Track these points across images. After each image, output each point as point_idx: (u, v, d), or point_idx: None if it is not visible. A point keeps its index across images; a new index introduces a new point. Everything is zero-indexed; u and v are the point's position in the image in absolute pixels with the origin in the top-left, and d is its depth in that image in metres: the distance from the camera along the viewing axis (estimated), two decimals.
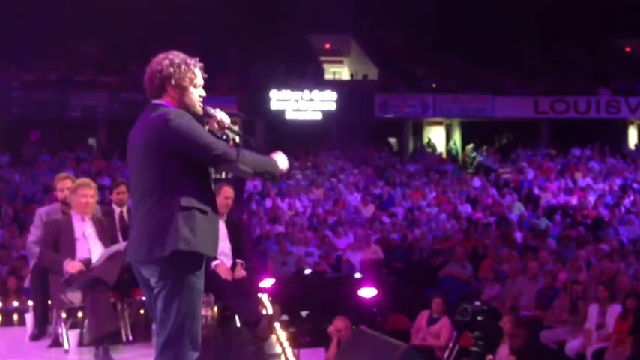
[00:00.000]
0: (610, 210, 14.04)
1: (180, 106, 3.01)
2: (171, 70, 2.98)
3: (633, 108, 20.27)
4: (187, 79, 3.01)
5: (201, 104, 3.09)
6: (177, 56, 3.02)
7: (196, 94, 3.06)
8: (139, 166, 2.99)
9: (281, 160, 3.13)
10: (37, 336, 5.14)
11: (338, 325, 6.29)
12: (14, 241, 10.43)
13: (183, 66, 3.00)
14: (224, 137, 3.07)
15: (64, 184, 5.44)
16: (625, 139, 21.05)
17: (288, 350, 4.84)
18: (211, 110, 3.11)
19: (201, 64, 3.08)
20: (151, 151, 2.92)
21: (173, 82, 2.99)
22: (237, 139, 3.17)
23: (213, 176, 3.13)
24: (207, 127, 3.10)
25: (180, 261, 2.88)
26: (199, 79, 3.07)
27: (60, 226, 4.97)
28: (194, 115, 3.04)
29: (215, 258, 5.02)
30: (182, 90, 3.01)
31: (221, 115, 3.11)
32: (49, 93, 18.29)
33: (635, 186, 15.80)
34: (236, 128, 3.17)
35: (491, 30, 22.94)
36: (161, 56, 3.03)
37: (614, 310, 7.22)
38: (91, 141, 19.78)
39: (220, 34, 20.57)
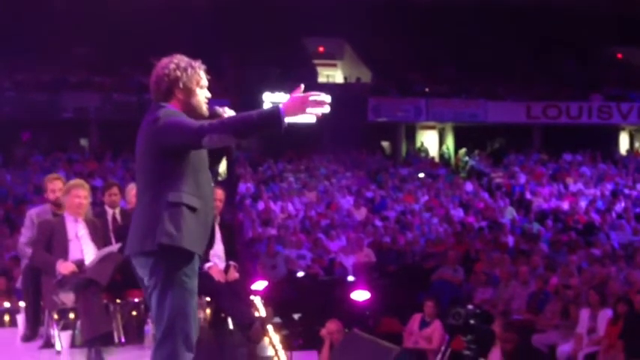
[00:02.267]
0: (601, 215, 14.11)
1: (187, 108, 3.06)
2: (178, 73, 3.03)
3: (625, 114, 20.42)
4: (194, 82, 3.06)
5: (207, 105, 3.12)
6: (182, 60, 3.07)
7: (202, 95, 3.11)
8: (139, 166, 3.07)
9: (296, 103, 2.77)
10: (28, 337, 5.11)
11: (330, 328, 6.30)
12: (5, 242, 10.37)
13: (189, 69, 3.05)
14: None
15: (55, 185, 5.42)
16: (616, 144, 21.20)
17: (281, 353, 4.84)
18: (220, 110, 3.13)
19: (204, 67, 3.11)
20: (146, 151, 3.00)
21: (181, 85, 3.04)
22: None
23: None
24: None
25: (166, 257, 2.92)
26: (204, 81, 3.11)
27: (53, 226, 4.95)
28: (201, 116, 3.07)
29: (207, 260, 5.02)
30: (189, 92, 3.06)
31: (229, 113, 3.13)
32: (41, 94, 18.23)
33: (627, 191, 15.89)
34: None
35: (484, 36, 23.05)
36: (166, 60, 3.07)
37: (605, 314, 7.26)
38: (83, 142, 19.70)
39: (214, 36, 20.56)
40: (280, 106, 2.78)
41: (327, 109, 2.79)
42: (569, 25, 23.90)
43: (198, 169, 3.03)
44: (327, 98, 2.79)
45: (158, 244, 2.90)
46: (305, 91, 2.89)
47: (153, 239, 2.92)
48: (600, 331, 7.20)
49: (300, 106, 2.77)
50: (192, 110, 3.06)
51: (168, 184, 2.95)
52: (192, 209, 2.96)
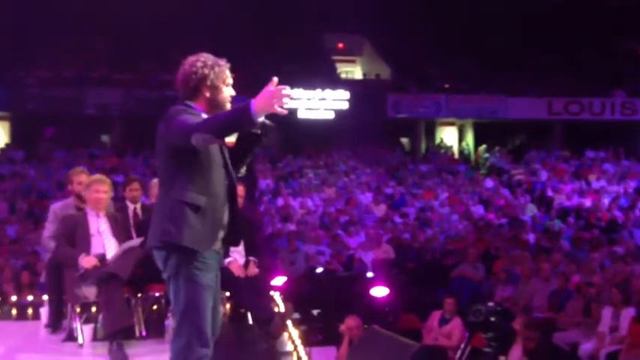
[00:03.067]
0: (624, 212, 13.93)
1: (213, 105, 3.12)
2: (206, 71, 3.10)
3: None
4: (221, 80, 3.14)
5: (231, 103, 3.19)
6: (208, 58, 3.14)
7: (227, 93, 3.17)
8: (157, 163, 3.22)
9: (264, 97, 2.74)
10: (51, 330, 5.18)
11: (349, 323, 6.29)
12: (28, 236, 10.52)
13: (216, 67, 3.12)
14: (259, 132, 3.11)
15: (80, 178, 5.48)
16: None
17: (300, 348, 4.84)
18: None
19: (229, 65, 3.18)
20: (158, 150, 3.11)
21: (208, 82, 3.11)
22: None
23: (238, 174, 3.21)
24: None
25: (171, 253, 3.03)
26: (230, 79, 3.18)
27: (75, 221, 5.00)
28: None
29: (227, 255, 5.04)
30: (216, 90, 3.13)
31: None
32: (64, 90, 18.43)
33: None
34: (270, 124, 3.12)
35: (504, 30, 22.82)
36: (193, 58, 3.14)
37: (628, 313, 7.16)
38: (105, 138, 19.89)
39: (233, 32, 20.61)
40: (251, 102, 2.78)
41: (289, 103, 2.78)
42: (592, 20, 23.58)
43: (209, 167, 3.07)
44: (290, 92, 2.77)
45: (160, 241, 3.03)
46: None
47: (155, 237, 3.07)
48: (623, 330, 7.10)
49: (269, 101, 2.74)
50: (217, 107, 3.12)
51: (176, 182, 3.05)
52: (197, 208, 3.02)
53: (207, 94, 3.10)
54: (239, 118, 2.80)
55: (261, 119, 3.07)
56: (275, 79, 2.84)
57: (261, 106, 2.74)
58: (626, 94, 20.27)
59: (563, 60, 22.48)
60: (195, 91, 3.11)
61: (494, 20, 22.03)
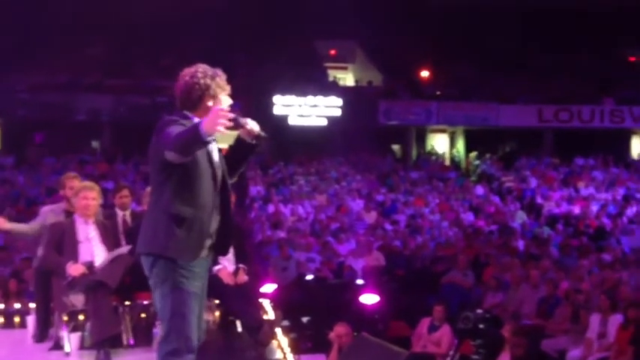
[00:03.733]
0: (612, 220, 14.02)
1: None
2: (208, 81, 3.16)
3: (637, 118, 20.27)
4: (221, 89, 3.21)
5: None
6: (207, 68, 3.20)
7: (226, 103, 3.22)
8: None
9: (209, 118, 2.84)
10: (38, 339, 5.15)
11: (339, 331, 6.29)
12: (16, 244, 10.44)
13: (217, 78, 3.19)
14: (253, 142, 3.22)
15: (73, 183, 5.50)
16: (628, 148, 21.02)
17: (289, 356, 4.85)
18: (242, 120, 3.20)
19: (225, 75, 3.25)
20: (151, 159, 3.17)
21: (212, 92, 3.17)
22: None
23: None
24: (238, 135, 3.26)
25: (158, 261, 3.09)
26: (228, 89, 3.25)
27: (63, 228, 4.99)
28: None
29: (217, 262, 5.04)
30: (216, 100, 3.19)
31: (252, 124, 3.21)
32: (55, 95, 18.37)
33: (638, 196, 15.77)
34: (264, 134, 3.22)
35: (495, 39, 22.97)
36: (191, 70, 3.19)
37: (616, 320, 7.20)
38: (95, 144, 19.82)
39: (227, 38, 20.64)
40: (201, 121, 2.86)
41: (229, 123, 2.88)
42: (581, 27, 23.76)
43: (197, 178, 3.12)
44: (231, 116, 2.89)
45: (146, 250, 3.11)
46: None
47: (145, 244, 3.14)
48: (611, 337, 7.14)
49: (214, 121, 2.82)
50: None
51: (164, 193, 3.11)
52: (182, 219, 3.07)
53: (210, 104, 3.15)
54: (192, 136, 2.88)
55: (256, 129, 3.15)
56: (222, 98, 3.04)
57: (208, 126, 2.82)
58: (614, 101, 20.43)
59: (554, 68, 22.65)
60: (197, 102, 3.17)
61: (486, 29, 22.17)
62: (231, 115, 2.89)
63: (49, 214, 5.46)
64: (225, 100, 3.21)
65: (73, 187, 5.42)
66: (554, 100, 20.43)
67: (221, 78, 3.20)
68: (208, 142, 2.91)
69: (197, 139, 2.86)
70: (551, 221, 14.10)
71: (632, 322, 6.96)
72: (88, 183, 5.33)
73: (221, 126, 2.82)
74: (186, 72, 3.18)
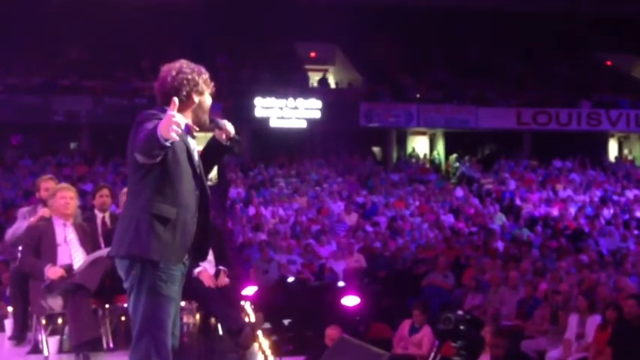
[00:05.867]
0: (590, 221, 14.20)
1: (201, 111, 3.12)
2: (196, 77, 3.08)
3: (614, 121, 20.57)
4: (206, 87, 3.13)
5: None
6: (190, 64, 3.11)
7: (209, 101, 3.17)
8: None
9: (163, 122, 2.69)
10: (16, 342, 5.08)
11: (332, 334, 6.26)
12: None
13: (202, 74, 3.11)
14: (227, 144, 3.21)
15: (48, 184, 5.43)
16: (605, 151, 21.33)
17: (271, 358, 4.83)
18: (221, 122, 3.19)
19: (208, 74, 3.17)
20: (128, 156, 3.01)
21: (199, 88, 3.09)
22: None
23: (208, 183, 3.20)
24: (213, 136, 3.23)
25: (134, 264, 2.96)
26: (212, 87, 3.18)
27: (41, 231, 4.92)
28: (205, 121, 3.12)
29: (197, 265, 5.01)
30: (202, 97, 3.12)
31: (229, 127, 3.20)
32: (33, 97, 18.14)
33: (615, 198, 16.00)
34: (238, 138, 3.23)
35: (475, 42, 23.18)
36: (175, 66, 3.08)
37: (594, 320, 7.27)
38: (73, 145, 19.61)
39: (208, 41, 20.56)
40: (158, 124, 2.74)
41: (179, 130, 2.72)
42: (559, 32, 24.09)
43: (178, 177, 3.01)
44: (182, 120, 2.74)
45: (125, 252, 2.97)
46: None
47: (118, 246, 3.01)
48: (589, 337, 7.21)
49: (166, 128, 2.68)
50: (204, 113, 3.13)
51: (142, 192, 2.99)
52: (166, 220, 2.96)
53: (196, 100, 3.08)
54: (151, 138, 2.74)
55: (232, 131, 3.10)
56: (175, 99, 2.81)
57: (163, 130, 2.68)
58: (591, 104, 20.71)
59: (532, 72, 22.91)
60: (186, 98, 3.04)
61: (466, 32, 22.35)
62: (179, 123, 2.70)
63: (27, 214, 5.39)
64: (209, 99, 3.14)
65: (48, 188, 5.36)
66: (533, 103, 20.66)
67: (205, 75, 3.13)
68: (167, 147, 2.74)
69: (155, 141, 2.72)
70: (530, 223, 14.24)
71: (610, 322, 7.04)
72: (64, 184, 5.28)
73: (174, 132, 2.67)
74: (171, 67, 3.07)
